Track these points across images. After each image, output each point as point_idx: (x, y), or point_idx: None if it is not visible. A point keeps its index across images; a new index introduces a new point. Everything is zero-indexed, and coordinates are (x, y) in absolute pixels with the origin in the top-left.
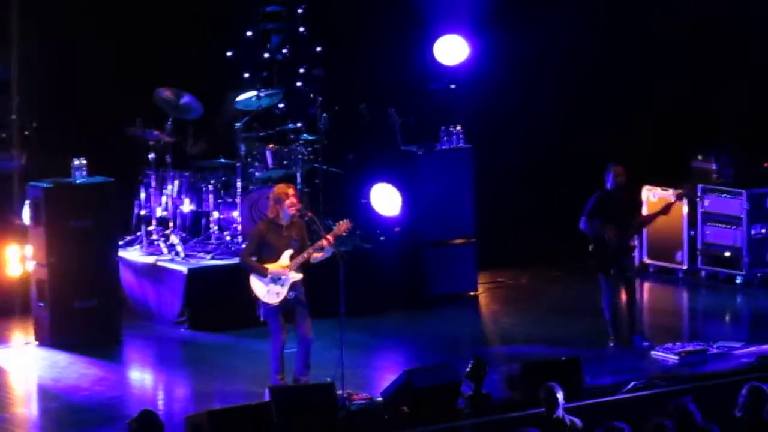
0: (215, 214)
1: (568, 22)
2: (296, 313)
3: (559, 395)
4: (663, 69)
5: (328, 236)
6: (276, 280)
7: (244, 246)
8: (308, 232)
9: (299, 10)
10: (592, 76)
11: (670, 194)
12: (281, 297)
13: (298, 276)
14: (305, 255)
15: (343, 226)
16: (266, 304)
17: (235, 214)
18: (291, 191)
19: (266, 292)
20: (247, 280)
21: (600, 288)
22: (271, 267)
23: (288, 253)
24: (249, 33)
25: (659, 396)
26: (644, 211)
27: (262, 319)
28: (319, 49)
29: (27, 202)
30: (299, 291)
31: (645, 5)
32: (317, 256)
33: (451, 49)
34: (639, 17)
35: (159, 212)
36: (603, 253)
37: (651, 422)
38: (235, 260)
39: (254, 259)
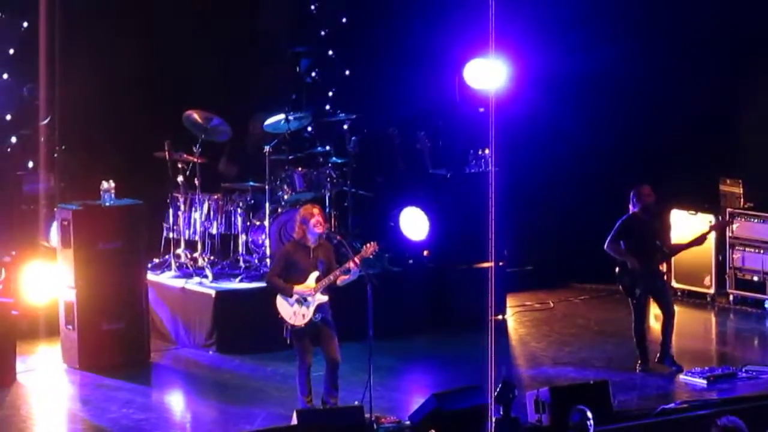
0: (244, 237)
1: (598, 45)
2: (323, 335)
3: (590, 419)
4: (693, 91)
5: (355, 258)
6: (302, 301)
7: (270, 267)
8: (336, 255)
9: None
10: (621, 99)
11: (699, 219)
12: (307, 318)
13: (325, 298)
14: (332, 277)
15: (370, 248)
16: (292, 326)
17: (264, 236)
18: (316, 210)
19: (292, 313)
20: (274, 301)
21: (630, 311)
22: (297, 288)
23: (314, 274)
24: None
25: (688, 420)
26: (672, 235)
27: (288, 341)
28: (348, 72)
29: (55, 224)
30: (326, 313)
31: (677, 27)
32: (344, 278)
33: (481, 73)
34: (670, 38)
35: (187, 235)
36: (629, 276)
37: None
38: (264, 283)
39: (281, 280)
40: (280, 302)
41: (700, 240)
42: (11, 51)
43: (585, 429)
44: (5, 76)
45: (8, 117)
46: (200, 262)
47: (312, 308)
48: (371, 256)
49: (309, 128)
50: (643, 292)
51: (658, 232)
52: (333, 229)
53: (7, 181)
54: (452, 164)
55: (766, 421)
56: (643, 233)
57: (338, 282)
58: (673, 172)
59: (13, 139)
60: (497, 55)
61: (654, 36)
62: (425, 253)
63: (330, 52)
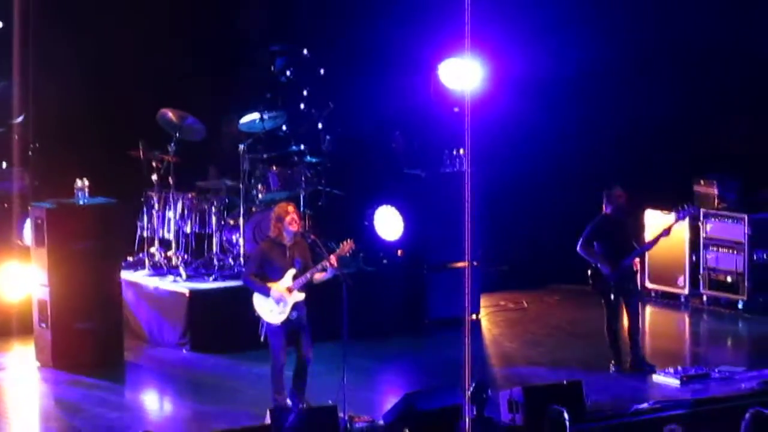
0: (218, 236)
1: (573, 47)
2: (298, 333)
3: (566, 420)
4: (666, 93)
5: (332, 256)
6: (278, 299)
7: (245, 265)
8: (311, 254)
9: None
10: (596, 100)
11: (672, 217)
12: (283, 316)
13: (301, 296)
14: (308, 275)
15: (346, 246)
16: (269, 324)
17: (238, 236)
18: (291, 209)
19: (269, 311)
20: (251, 299)
21: (603, 312)
22: (273, 286)
23: (291, 272)
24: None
25: (661, 420)
26: (645, 236)
27: (262, 339)
28: (322, 71)
29: (29, 222)
30: (302, 311)
31: (651, 28)
32: (320, 276)
33: (456, 72)
34: (644, 40)
35: (162, 234)
36: (602, 277)
37: None
38: (238, 282)
39: (257, 278)
40: (257, 300)
41: (666, 231)
42: None
43: (562, 428)
44: None
45: None
46: (174, 261)
47: (288, 306)
48: (348, 254)
49: (283, 127)
50: (616, 294)
51: (630, 232)
52: (307, 228)
53: None
54: (427, 164)
55: (739, 421)
56: (616, 233)
57: (314, 280)
58: (648, 172)
59: None
60: (472, 55)
61: (628, 38)
62: (399, 252)
63: (305, 51)
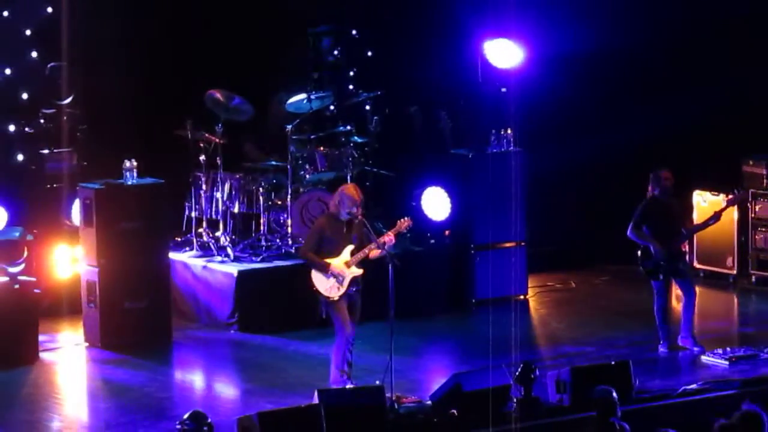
0: (265, 216)
1: (621, 23)
2: (353, 308)
3: (616, 400)
4: (716, 72)
5: (390, 233)
6: (338, 274)
7: (304, 241)
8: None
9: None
10: (643, 79)
11: (720, 199)
12: (342, 291)
13: (359, 271)
14: (366, 250)
15: (403, 223)
16: (327, 299)
17: (285, 216)
18: (359, 194)
19: (328, 286)
20: (297, 278)
21: (651, 292)
22: (333, 262)
23: (349, 248)
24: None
25: (709, 401)
26: (694, 217)
27: (324, 315)
28: (370, 53)
29: (78, 203)
30: (359, 285)
31: (699, 4)
32: (376, 253)
33: (503, 52)
34: (692, 18)
35: (209, 214)
36: (652, 259)
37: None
38: (285, 262)
39: (315, 254)
40: (316, 276)
41: (716, 216)
42: (28, 32)
43: (611, 409)
44: (34, 54)
45: (31, 96)
46: (222, 241)
47: (347, 281)
48: (405, 231)
49: (331, 107)
50: (666, 274)
51: (678, 213)
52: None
53: (30, 161)
54: (474, 144)
55: None
56: (664, 216)
57: (370, 256)
58: (695, 152)
59: (36, 119)
60: (519, 33)
61: (676, 15)
62: (446, 233)
63: (353, 32)
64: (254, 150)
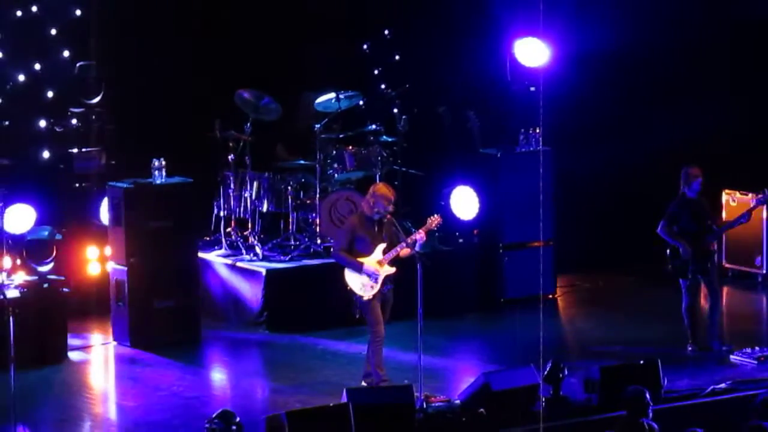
0: (293, 216)
1: (651, 23)
2: (385, 308)
3: (648, 400)
4: (745, 71)
5: (421, 231)
6: (371, 273)
7: (336, 241)
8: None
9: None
10: (672, 78)
11: (750, 199)
12: (376, 290)
13: (392, 270)
14: (398, 249)
15: (433, 221)
16: (362, 299)
17: (314, 215)
18: (393, 198)
19: (361, 285)
20: (326, 278)
21: (680, 291)
22: (366, 261)
23: (381, 246)
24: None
25: (738, 401)
26: (723, 215)
27: (357, 316)
28: (398, 55)
29: (106, 202)
30: (392, 284)
31: (728, 7)
32: (406, 252)
33: (531, 51)
34: (722, 18)
35: (238, 213)
36: (681, 257)
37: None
38: (314, 261)
39: (348, 254)
40: (349, 275)
41: (746, 215)
42: (54, 31)
43: (643, 409)
44: (66, 53)
45: (60, 95)
46: (250, 240)
47: (380, 280)
48: (435, 229)
49: (360, 104)
50: (694, 274)
51: (707, 212)
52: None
53: (59, 160)
54: (502, 143)
55: None
56: (694, 214)
57: (400, 255)
58: (725, 151)
59: (65, 118)
60: (548, 32)
61: (705, 15)
62: (475, 232)
63: (385, 32)
64: (284, 151)
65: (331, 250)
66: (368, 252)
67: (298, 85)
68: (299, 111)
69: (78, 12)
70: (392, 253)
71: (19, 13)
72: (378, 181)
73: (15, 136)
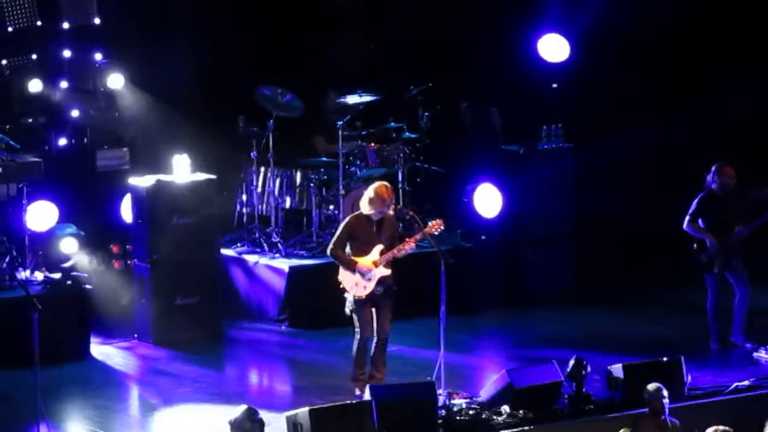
0: (316, 213)
1: (671, 16)
2: (380, 308)
3: (666, 397)
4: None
5: (417, 236)
6: (365, 272)
7: (333, 239)
8: (408, 230)
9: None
10: (697, 74)
11: None
12: (368, 290)
13: (387, 271)
14: (395, 251)
15: (435, 226)
16: (354, 296)
17: (337, 212)
18: (390, 191)
19: (354, 284)
20: (337, 272)
21: (705, 287)
22: (360, 260)
23: (379, 248)
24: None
25: (762, 397)
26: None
27: (348, 313)
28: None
29: (129, 198)
30: (388, 286)
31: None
32: (402, 253)
33: (554, 48)
34: (745, 12)
35: (261, 210)
36: (707, 252)
37: None
38: None
39: (344, 252)
40: (343, 274)
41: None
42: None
43: (660, 406)
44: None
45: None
46: (273, 237)
47: (374, 281)
48: (436, 233)
49: (382, 103)
50: (720, 269)
51: (735, 208)
52: (404, 205)
53: (82, 157)
54: (525, 140)
55: None
56: (720, 210)
57: (398, 256)
58: (754, 147)
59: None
60: (571, 28)
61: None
62: (482, 237)
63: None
64: (323, 142)
65: (328, 248)
66: (365, 252)
67: (321, 82)
68: (324, 107)
69: (97, 21)
70: (388, 255)
71: None
72: (399, 176)
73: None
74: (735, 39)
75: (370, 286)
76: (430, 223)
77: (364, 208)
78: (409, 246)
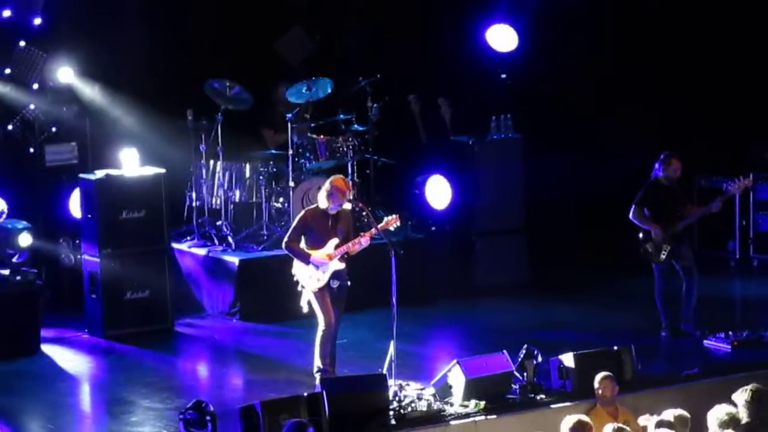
0: (266, 205)
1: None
2: (333, 302)
3: (616, 386)
4: (717, 57)
5: (372, 231)
6: (319, 264)
7: (288, 232)
8: (358, 223)
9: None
10: (645, 63)
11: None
12: (322, 283)
13: (341, 265)
14: (350, 245)
15: (391, 221)
16: (310, 290)
17: (287, 204)
18: (347, 184)
19: (308, 277)
20: (290, 265)
21: (653, 276)
22: (314, 253)
23: (333, 241)
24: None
25: (712, 385)
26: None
27: (305, 309)
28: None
29: (78, 193)
30: (341, 280)
31: None
32: (357, 247)
33: (503, 38)
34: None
35: (210, 203)
36: (653, 241)
37: None
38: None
39: (298, 245)
40: (297, 267)
41: (716, 203)
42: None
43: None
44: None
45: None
46: (223, 230)
47: (328, 273)
48: (392, 229)
49: (331, 95)
50: (666, 258)
51: (680, 197)
52: (355, 197)
53: (30, 151)
54: (475, 131)
55: None
56: (665, 199)
57: (352, 251)
58: (700, 136)
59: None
60: (519, 18)
61: None
62: (432, 229)
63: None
64: (272, 135)
65: (283, 241)
66: (319, 246)
67: (270, 74)
68: (273, 100)
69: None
70: (343, 249)
71: None
72: (349, 168)
73: None
74: (682, 20)
75: (324, 278)
76: (386, 219)
77: (322, 201)
78: (364, 240)
